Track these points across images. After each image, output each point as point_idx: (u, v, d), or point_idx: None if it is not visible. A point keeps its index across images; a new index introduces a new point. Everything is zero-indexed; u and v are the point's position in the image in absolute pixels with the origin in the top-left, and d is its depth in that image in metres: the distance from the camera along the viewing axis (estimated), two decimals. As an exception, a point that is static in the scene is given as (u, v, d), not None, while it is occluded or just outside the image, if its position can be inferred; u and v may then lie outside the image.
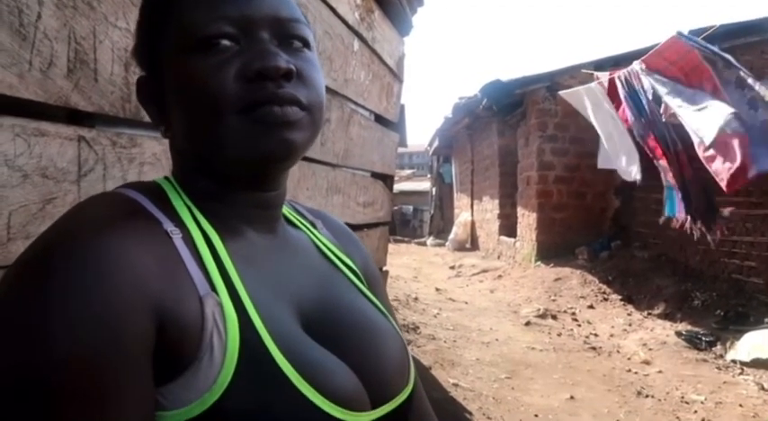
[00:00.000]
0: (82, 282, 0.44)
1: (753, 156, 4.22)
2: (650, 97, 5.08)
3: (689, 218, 4.92)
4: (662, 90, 4.91)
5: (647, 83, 5.09)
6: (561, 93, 6.69)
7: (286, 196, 0.67)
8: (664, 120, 5.00)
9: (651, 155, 5.20)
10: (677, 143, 4.89)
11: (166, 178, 0.61)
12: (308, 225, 0.73)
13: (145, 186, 0.58)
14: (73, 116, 0.93)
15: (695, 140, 4.58)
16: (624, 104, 5.39)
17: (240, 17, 0.55)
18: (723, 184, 4.41)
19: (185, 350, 0.48)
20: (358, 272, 0.72)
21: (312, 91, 0.58)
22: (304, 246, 0.68)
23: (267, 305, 0.54)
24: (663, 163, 5.09)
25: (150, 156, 1.09)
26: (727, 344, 4.58)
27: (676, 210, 5.08)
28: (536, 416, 3.37)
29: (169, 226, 0.53)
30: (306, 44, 0.59)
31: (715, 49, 4.62)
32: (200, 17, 0.55)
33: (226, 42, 0.55)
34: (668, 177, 5.09)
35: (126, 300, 0.45)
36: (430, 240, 14.73)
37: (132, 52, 0.64)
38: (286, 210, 0.69)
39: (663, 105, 5.00)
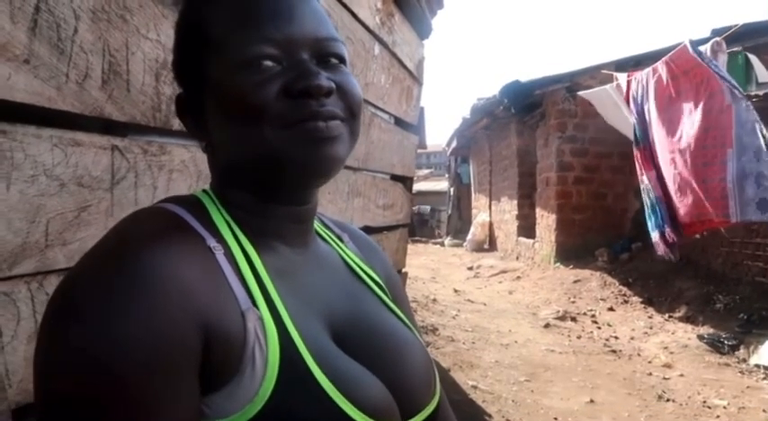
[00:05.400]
0: (129, 302, 0.46)
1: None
2: (645, 107, 5.03)
3: (660, 237, 4.88)
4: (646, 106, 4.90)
5: (640, 92, 5.06)
6: (581, 93, 6.65)
7: (317, 208, 0.68)
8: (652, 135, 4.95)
9: (638, 167, 5.17)
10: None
11: (205, 191, 0.63)
12: (336, 239, 0.74)
13: (186, 200, 0.60)
14: (106, 126, 0.95)
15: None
16: (631, 104, 5.33)
17: (283, 39, 0.57)
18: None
19: (228, 363, 0.50)
20: (382, 285, 0.73)
21: (351, 101, 0.60)
22: (333, 260, 0.70)
23: (303, 319, 0.56)
24: (648, 175, 5.05)
25: (179, 164, 1.12)
26: (751, 349, 4.51)
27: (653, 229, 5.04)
28: (555, 419, 3.35)
29: (212, 242, 0.55)
30: (342, 60, 0.61)
31: (721, 69, 4.47)
32: (244, 38, 0.57)
33: (268, 63, 0.57)
34: (650, 195, 5.05)
35: (174, 317, 0.47)
36: (447, 240, 14.71)
37: (171, 69, 0.66)
38: (315, 223, 0.71)
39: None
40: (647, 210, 5.05)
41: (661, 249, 4.92)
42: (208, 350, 0.49)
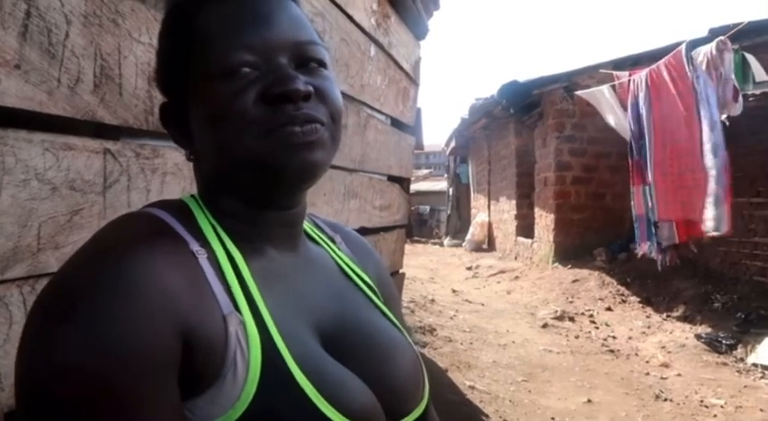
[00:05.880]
0: (111, 305, 0.47)
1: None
2: (643, 113, 5.05)
3: (654, 246, 4.95)
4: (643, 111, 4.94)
5: (640, 96, 5.07)
6: (579, 92, 6.66)
7: (306, 210, 0.68)
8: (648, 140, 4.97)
9: (631, 176, 5.23)
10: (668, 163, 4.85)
11: (192, 196, 0.63)
12: (328, 240, 0.74)
13: (171, 205, 0.60)
14: (99, 129, 0.96)
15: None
16: (629, 112, 5.35)
17: (261, 45, 0.57)
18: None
19: (210, 367, 0.51)
20: (374, 287, 0.74)
21: (331, 106, 0.60)
22: (324, 262, 0.70)
23: (287, 323, 0.56)
24: (632, 189, 5.12)
25: (172, 166, 1.12)
26: (748, 348, 4.52)
27: (639, 240, 5.12)
28: (553, 419, 3.36)
29: (195, 246, 0.55)
30: (322, 65, 0.61)
31: (704, 82, 4.49)
32: (223, 46, 0.57)
33: (246, 70, 0.57)
34: (637, 207, 5.12)
35: (154, 321, 0.48)
36: (447, 240, 14.72)
37: (154, 78, 0.66)
38: (306, 224, 0.71)
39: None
40: (636, 222, 5.14)
41: (654, 255, 4.98)
42: (189, 354, 0.50)
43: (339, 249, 0.75)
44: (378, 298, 0.72)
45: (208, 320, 0.51)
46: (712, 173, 4.23)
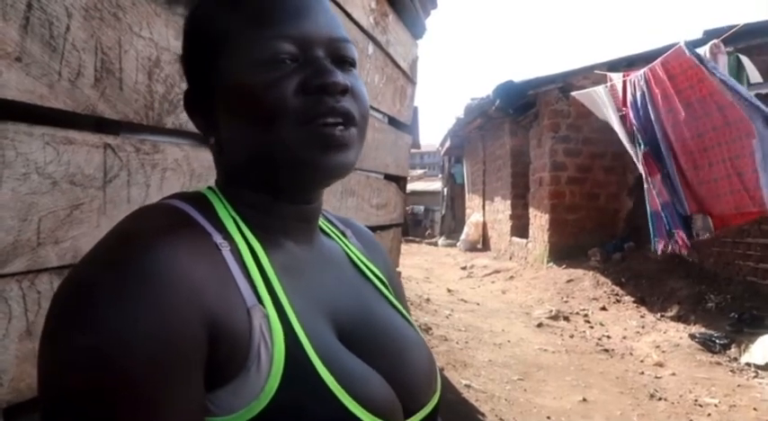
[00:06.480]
0: (140, 297, 0.46)
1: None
2: (649, 109, 5.03)
3: (671, 239, 4.88)
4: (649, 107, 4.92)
5: (639, 95, 5.06)
6: (574, 93, 6.67)
7: (322, 206, 0.68)
8: (659, 134, 4.93)
9: (643, 170, 5.17)
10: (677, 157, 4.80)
11: (210, 188, 0.63)
12: (339, 234, 0.75)
13: (191, 197, 0.59)
14: (99, 124, 0.95)
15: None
16: (629, 109, 5.33)
17: (299, 36, 0.57)
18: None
19: (234, 360, 0.50)
20: (385, 281, 0.74)
21: (362, 105, 0.60)
22: (338, 256, 0.70)
23: (308, 316, 0.56)
24: (650, 180, 5.06)
25: (172, 162, 1.12)
26: (742, 347, 4.55)
27: (657, 234, 5.04)
28: (548, 418, 3.36)
29: (218, 238, 0.55)
30: (353, 64, 0.62)
31: (717, 68, 4.44)
32: (262, 36, 0.57)
33: (286, 60, 0.57)
34: (652, 201, 5.06)
35: (181, 314, 0.47)
36: (441, 240, 14.73)
37: (180, 63, 0.65)
38: (320, 219, 0.71)
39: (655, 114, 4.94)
40: (653, 214, 5.05)
41: (676, 248, 4.88)
42: (214, 347, 0.49)
43: (350, 243, 0.75)
44: (390, 292, 0.72)
45: (232, 313, 0.51)
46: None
